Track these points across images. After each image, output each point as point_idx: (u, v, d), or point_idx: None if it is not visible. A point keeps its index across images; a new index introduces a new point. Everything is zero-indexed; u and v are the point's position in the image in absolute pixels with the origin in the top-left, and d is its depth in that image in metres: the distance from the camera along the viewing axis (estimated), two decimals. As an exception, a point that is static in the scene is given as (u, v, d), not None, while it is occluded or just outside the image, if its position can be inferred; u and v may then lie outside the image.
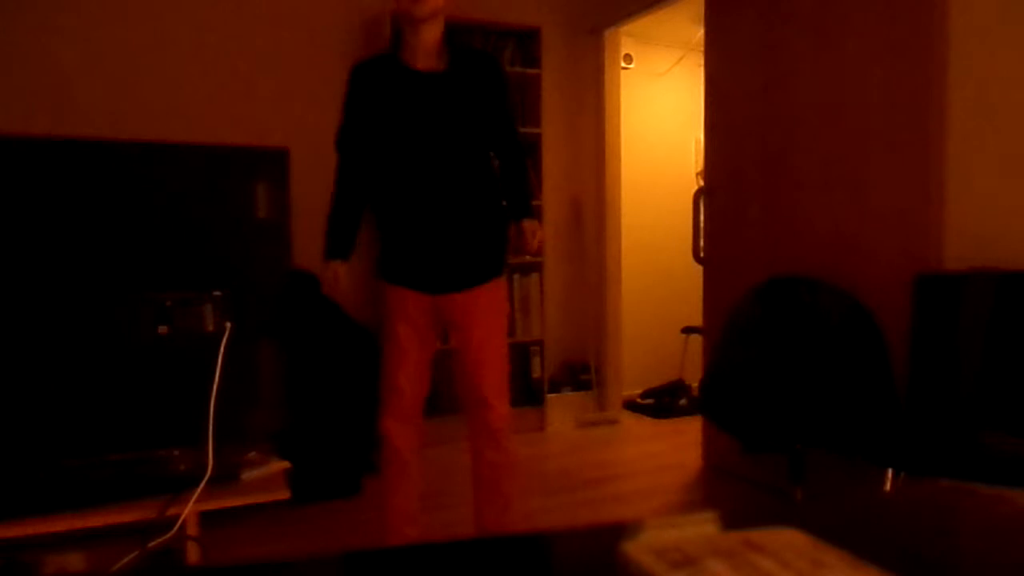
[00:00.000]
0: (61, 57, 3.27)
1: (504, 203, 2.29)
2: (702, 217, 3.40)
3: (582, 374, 4.43)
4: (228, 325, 1.37)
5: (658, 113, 5.04)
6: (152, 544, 1.25)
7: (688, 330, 4.62)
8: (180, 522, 1.26)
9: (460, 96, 2.14)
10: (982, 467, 1.95)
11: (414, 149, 2.13)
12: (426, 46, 2.10)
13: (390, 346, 2.26)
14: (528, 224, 2.19)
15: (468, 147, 2.17)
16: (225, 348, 1.35)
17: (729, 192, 3.25)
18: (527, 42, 4.05)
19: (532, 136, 4.02)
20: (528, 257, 4.02)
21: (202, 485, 1.30)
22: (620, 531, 0.53)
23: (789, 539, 0.49)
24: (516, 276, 4.02)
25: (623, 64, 4.61)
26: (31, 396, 1.31)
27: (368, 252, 3.89)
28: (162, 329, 1.34)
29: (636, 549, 0.48)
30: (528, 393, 4.08)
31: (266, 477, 1.42)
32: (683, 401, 4.59)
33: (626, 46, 4.67)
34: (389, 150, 2.15)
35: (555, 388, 4.28)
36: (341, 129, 2.25)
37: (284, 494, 1.37)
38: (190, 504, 1.27)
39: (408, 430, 2.27)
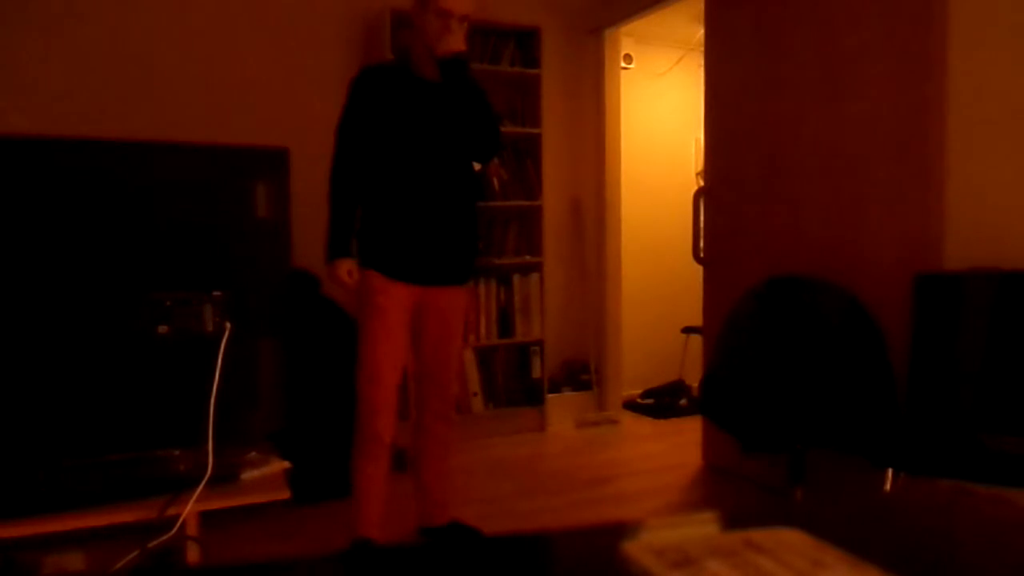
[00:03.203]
0: (61, 57, 3.28)
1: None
2: (702, 217, 3.40)
3: (582, 374, 4.43)
4: (228, 325, 1.37)
5: (658, 113, 5.04)
6: (152, 544, 1.25)
7: (688, 330, 4.62)
8: (180, 522, 1.26)
9: (458, 103, 2.27)
10: (982, 467, 1.95)
11: (421, 151, 2.29)
12: (433, 61, 2.27)
13: (378, 338, 2.26)
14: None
15: (462, 151, 2.34)
16: (225, 348, 1.35)
17: (729, 192, 3.25)
18: (527, 42, 4.05)
19: (532, 136, 4.02)
20: (528, 257, 4.03)
21: (202, 485, 1.30)
22: (620, 531, 0.53)
23: (789, 539, 0.49)
24: (516, 276, 4.02)
25: (623, 64, 4.61)
26: (31, 396, 1.31)
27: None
28: (162, 329, 1.34)
29: (636, 549, 0.48)
30: (528, 393, 4.08)
31: (266, 477, 1.42)
32: (683, 401, 4.59)
33: (626, 46, 4.67)
34: (395, 149, 2.28)
35: (555, 388, 4.28)
36: (345, 119, 2.31)
37: (284, 494, 1.37)
38: (190, 504, 1.27)
39: (394, 423, 2.33)
